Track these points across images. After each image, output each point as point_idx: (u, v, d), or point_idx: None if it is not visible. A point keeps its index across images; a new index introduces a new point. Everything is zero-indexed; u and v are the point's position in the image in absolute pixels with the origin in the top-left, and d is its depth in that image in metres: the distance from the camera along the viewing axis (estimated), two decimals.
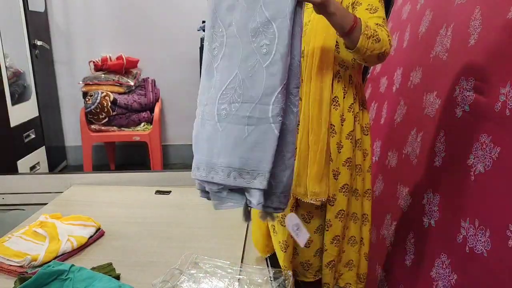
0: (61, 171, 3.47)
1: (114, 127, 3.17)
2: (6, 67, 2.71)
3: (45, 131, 3.22)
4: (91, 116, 3.07)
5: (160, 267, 1.26)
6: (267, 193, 0.96)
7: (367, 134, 1.31)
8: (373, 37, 1.09)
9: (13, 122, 2.76)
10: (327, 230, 1.28)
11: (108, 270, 1.22)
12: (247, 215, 1.04)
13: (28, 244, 1.33)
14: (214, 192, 1.03)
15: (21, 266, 1.23)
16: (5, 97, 2.66)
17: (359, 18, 1.09)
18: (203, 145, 1.04)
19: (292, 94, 0.98)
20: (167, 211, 1.75)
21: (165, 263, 1.28)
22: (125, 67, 3.24)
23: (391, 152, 1.70)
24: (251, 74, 0.95)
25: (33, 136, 3.03)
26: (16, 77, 2.96)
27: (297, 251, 1.34)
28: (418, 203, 1.35)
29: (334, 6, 1.02)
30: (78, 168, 3.56)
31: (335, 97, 1.23)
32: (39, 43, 3.14)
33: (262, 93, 0.94)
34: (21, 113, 2.89)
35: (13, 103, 2.78)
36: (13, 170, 2.70)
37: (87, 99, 3.06)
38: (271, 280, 1.26)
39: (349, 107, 1.24)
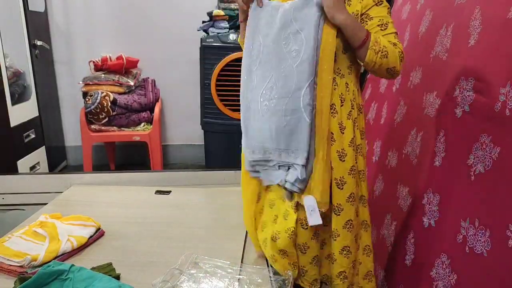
0: (61, 171, 3.47)
1: (114, 127, 3.17)
2: (6, 67, 2.71)
3: (45, 131, 3.22)
4: (91, 116, 3.07)
5: (160, 267, 1.26)
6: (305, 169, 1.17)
7: (363, 138, 1.31)
8: (381, 52, 1.16)
9: (13, 122, 2.76)
10: (335, 240, 1.27)
11: (108, 270, 1.22)
12: (289, 196, 1.25)
13: (28, 244, 1.33)
14: (265, 169, 1.26)
15: (21, 266, 1.23)
16: (5, 97, 2.66)
17: (370, 33, 1.16)
18: (254, 133, 1.25)
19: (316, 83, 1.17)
20: (167, 211, 1.75)
21: (165, 263, 1.28)
22: (125, 67, 3.24)
23: (391, 152, 1.70)
24: (284, 74, 1.16)
25: (33, 136, 3.03)
26: (16, 77, 2.96)
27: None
28: (418, 203, 1.35)
29: (350, 18, 1.14)
30: (78, 168, 3.56)
31: (332, 104, 1.23)
32: (39, 43, 3.14)
33: (294, 88, 1.15)
34: (21, 113, 2.89)
35: (13, 103, 2.78)
36: (13, 170, 2.70)
37: (87, 99, 3.06)
38: (271, 280, 1.26)
39: (348, 114, 1.25)
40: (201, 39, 2.92)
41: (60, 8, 3.42)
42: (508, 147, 0.97)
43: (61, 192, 1.95)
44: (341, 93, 1.23)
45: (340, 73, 1.23)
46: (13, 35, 2.91)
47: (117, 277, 1.20)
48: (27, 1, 2.98)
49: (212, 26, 2.99)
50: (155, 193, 1.94)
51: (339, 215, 1.25)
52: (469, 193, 1.08)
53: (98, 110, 3.04)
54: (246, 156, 1.28)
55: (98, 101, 3.02)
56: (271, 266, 1.33)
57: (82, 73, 3.25)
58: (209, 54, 2.86)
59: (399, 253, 1.43)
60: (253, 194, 1.40)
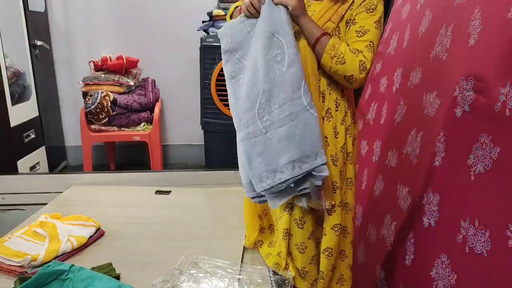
0: (61, 171, 3.47)
1: (114, 127, 3.17)
2: (6, 67, 2.71)
3: (45, 131, 3.22)
4: (91, 116, 3.07)
5: (160, 267, 1.26)
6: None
7: (354, 145, 1.33)
8: (336, 57, 1.16)
9: (13, 122, 2.76)
10: (325, 235, 1.30)
11: (108, 270, 1.22)
12: (318, 197, 1.18)
13: (28, 244, 1.33)
14: (280, 190, 1.15)
15: (21, 266, 1.23)
16: (5, 97, 2.66)
17: (328, 36, 1.17)
18: (257, 160, 1.15)
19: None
20: (167, 211, 1.75)
21: (165, 263, 1.28)
22: (125, 67, 3.24)
23: (391, 152, 1.69)
24: (276, 81, 1.12)
25: (33, 136, 3.03)
26: (16, 77, 2.96)
27: (293, 256, 1.35)
28: (418, 203, 1.35)
29: (305, 17, 1.16)
30: (78, 168, 3.56)
31: (328, 109, 1.25)
32: (39, 43, 3.14)
33: (291, 90, 1.11)
34: (21, 113, 2.89)
35: (13, 103, 2.78)
36: (13, 170, 2.70)
37: (87, 99, 3.06)
38: (271, 280, 1.26)
39: (341, 120, 1.27)
40: (201, 39, 2.92)
41: (60, 8, 3.42)
42: (508, 147, 0.97)
43: (61, 192, 1.95)
44: (336, 98, 1.26)
45: (334, 79, 1.24)
46: (13, 35, 2.91)
47: (117, 277, 1.20)
48: (27, 1, 2.98)
49: (212, 26, 2.99)
50: (155, 193, 1.94)
51: (331, 215, 1.27)
52: (469, 193, 1.08)
53: (98, 110, 3.04)
54: (254, 187, 1.18)
55: (98, 101, 3.02)
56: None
57: (82, 73, 3.25)
58: (209, 54, 2.86)
59: (399, 253, 1.43)
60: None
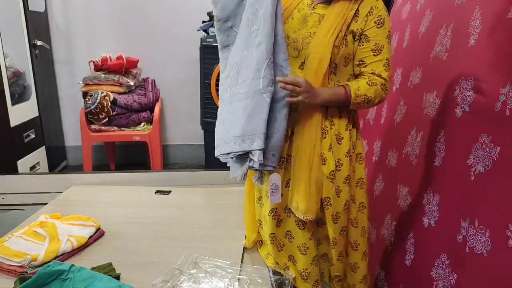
0: (61, 171, 3.47)
1: (114, 127, 3.17)
2: (6, 67, 2.71)
3: (45, 131, 3.22)
4: (91, 116, 3.07)
5: (160, 267, 1.26)
6: (264, 152, 1.15)
7: (360, 161, 1.35)
8: (363, 101, 1.21)
9: (13, 122, 2.76)
10: (333, 248, 1.31)
11: (108, 270, 1.22)
12: (257, 177, 1.23)
13: (28, 244, 1.33)
14: (229, 161, 1.24)
15: (21, 266, 1.23)
16: (5, 97, 2.66)
17: (349, 88, 1.20)
18: (219, 127, 1.26)
19: (283, 66, 1.17)
20: (167, 211, 1.75)
21: (165, 263, 1.28)
22: (125, 67, 3.23)
23: (391, 152, 1.70)
24: (248, 56, 1.16)
25: (33, 136, 3.03)
26: (16, 77, 2.95)
27: (295, 259, 1.35)
28: (418, 203, 1.35)
29: (320, 98, 1.18)
30: (78, 168, 3.56)
31: (331, 116, 1.27)
32: (39, 43, 3.13)
33: (254, 69, 1.14)
34: (21, 113, 2.89)
35: (13, 103, 2.78)
36: (13, 170, 2.70)
37: (87, 99, 3.06)
38: (271, 280, 1.26)
39: (345, 126, 1.28)
40: (201, 39, 2.92)
41: (60, 8, 3.41)
42: (508, 147, 0.97)
43: (61, 192, 1.95)
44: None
45: (340, 85, 1.25)
46: (13, 35, 2.90)
47: (117, 277, 1.20)
48: (27, 1, 2.98)
49: (212, 26, 2.99)
50: (155, 193, 1.94)
51: (336, 223, 1.27)
52: (469, 193, 1.08)
53: (98, 110, 3.03)
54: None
55: (98, 101, 3.02)
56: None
57: (82, 73, 3.25)
58: (209, 54, 2.85)
59: (399, 253, 1.43)
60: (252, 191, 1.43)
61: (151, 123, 3.24)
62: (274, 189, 1.23)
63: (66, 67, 3.51)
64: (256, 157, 1.14)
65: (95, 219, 1.50)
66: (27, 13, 2.99)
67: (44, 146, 3.19)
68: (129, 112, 3.17)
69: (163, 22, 3.45)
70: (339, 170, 1.27)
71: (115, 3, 3.44)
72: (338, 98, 1.21)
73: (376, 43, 1.20)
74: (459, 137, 1.18)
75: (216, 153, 1.25)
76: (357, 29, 1.20)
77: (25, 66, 3.03)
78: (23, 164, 2.85)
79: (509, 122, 0.97)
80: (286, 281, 1.28)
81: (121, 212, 1.73)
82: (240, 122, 1.16)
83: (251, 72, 1.15)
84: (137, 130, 3.20)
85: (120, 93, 3.14)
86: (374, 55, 1.21)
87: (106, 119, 3.09)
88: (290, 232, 1.32)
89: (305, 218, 1.24)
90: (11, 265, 1.24)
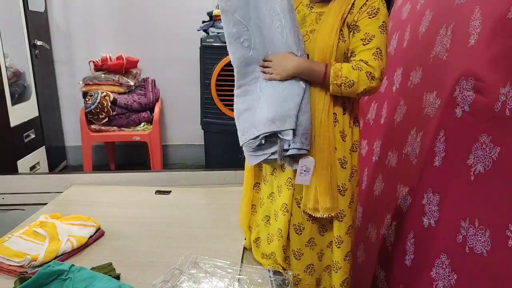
0: (61, 171, 3.47)
1: (114, 127, 3.17)
2: (6, 67, 2.71)
3: (45, 131, 3.22)
4: (91, 116, 3.07)
5: (160, 267, 1.26)
6: (294, 134, 1.17)
7: (356, 151, 1.33)
8: (344, 84, 1.17)
9: (13, 122, 2.76)
10: (339, 247, 1.30)
11: (108, 270, 1.22)
12: (281, 157, 1.21)
13: (28, 244, 1.33)
14: (253, 147, 1.23)
15: (21, 266, 1.23)
16: (5, 97, 2.66)
17: (329, 67, 1.18)
18: (244, 115, 1.24)
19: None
20: (167, 211, 1.75)
21: (165, 263, 1.28)
22: (125, 67, 3.24)
23: (391, 152, 1.69)
24: (278, 49, 1.20)
25: (33, 136, 3.03)
26: (16, 77, 2.95)
27: (289, 260, 1.34)
28: (418, 203, 1.35)
29: (293, 64, 1.18)
30: (78, 168, 3.56)
31: (334, 113, 1.26)
32: (39, 43, 3.13)
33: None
34: (21, 113, 2.89)
35: (13, 103, 2.78)
36: (13, 170, 2.70)
37: (87, 99, 3.06)
38: (271, 280, 1.26)
39: (349, 123, 1.28)
40: (201, 39, 2.92)
41: (60, 8, 3.42)
42: (508, 147, 0.97)
43: (61, 192, 1.95)
44: (344, 101, 1.26)
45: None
46: (13, 35, 2.90)
47: (117, 277, 1.20)
48: (27, 1, 2.98)
49: (212, 26, 2.99)
50: (155, 193, 1.94)
51: (341, 221, 1.27)
52: (469, 193, 1.08)
53: (98, 110, 3.04)
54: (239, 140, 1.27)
55: (98, 101, 3.02)
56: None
57: (82, 73, 3.25)
58: (209, 54, 2.86)
59: (399, 253, 1.43)
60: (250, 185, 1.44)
61: (151, 123, 3.24)
62: (304, 170, 1.22)
63: (66, 67, 3.51)
64: (289, 136, 1.16)
65: (95, 219, 1.50)
66: (27, 13, 2.99)
67: (44, 146, 3.19)
68: (129, 112, 3.17)
69: (163, 22, 3.45)
70: (345, 168, 1.26)
71: (115, 3, 3.44)
72: (315, 73, 1.19)
73: (366, 33, 1.18)
74: (459, 137, 1.18)
75: (242, 141, 1.23)
76: (351, 21, 1.20)
77: (25, 66, 3.03)
78: (23, 164, 2.85)
79: (509, 122, 0.97)
80: (286, 281, 1.28)
81: (121, 212, 1.73)
82: (272, 106, 1.18)
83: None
84: (137, 130, 3.21)
85: (120, 93, 3.14)
86: (363, 44, 1.18)
87: (106, 119, 3.09)
88: (288, 233, 1.32)
89: (329, 215, 1.25)
90: (11, 265, 1.24)
